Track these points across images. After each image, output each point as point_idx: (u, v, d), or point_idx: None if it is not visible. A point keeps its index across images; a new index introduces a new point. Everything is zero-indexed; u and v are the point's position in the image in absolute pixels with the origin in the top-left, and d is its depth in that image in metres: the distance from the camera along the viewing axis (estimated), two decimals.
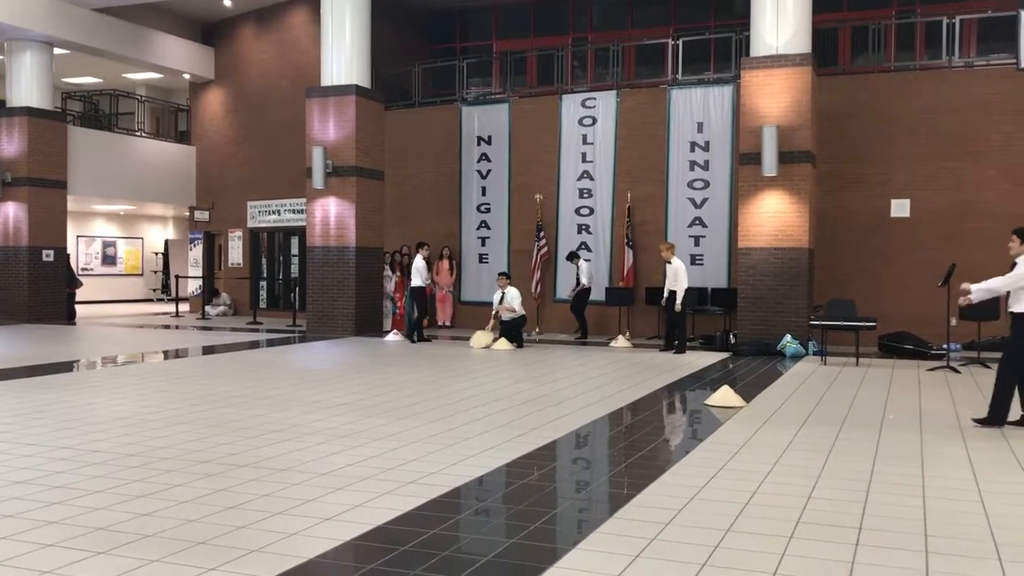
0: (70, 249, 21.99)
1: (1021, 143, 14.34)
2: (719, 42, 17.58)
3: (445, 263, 18.13)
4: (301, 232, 19.79)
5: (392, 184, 18.20)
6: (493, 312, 14.94)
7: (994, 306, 10.90)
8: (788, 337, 13.59)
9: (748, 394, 9.39)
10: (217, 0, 20.82)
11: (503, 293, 14.86)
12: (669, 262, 13.94)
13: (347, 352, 13.95)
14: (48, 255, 19.62)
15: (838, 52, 16.94)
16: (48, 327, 18.19)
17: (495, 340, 14.52)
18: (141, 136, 23.17)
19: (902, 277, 14.77)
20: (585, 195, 17.33)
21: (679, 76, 17.04)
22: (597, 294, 16.74)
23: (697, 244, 16.27)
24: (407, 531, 4.54)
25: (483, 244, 18.31)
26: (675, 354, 13.57)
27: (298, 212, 20.38)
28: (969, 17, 15.98)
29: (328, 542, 4.34)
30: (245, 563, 4.02)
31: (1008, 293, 7.62)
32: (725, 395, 8.82)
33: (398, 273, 17.90)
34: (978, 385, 10.23)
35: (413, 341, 15.38)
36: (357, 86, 16.63)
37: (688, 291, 13.84)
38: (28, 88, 19.23)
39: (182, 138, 23.85)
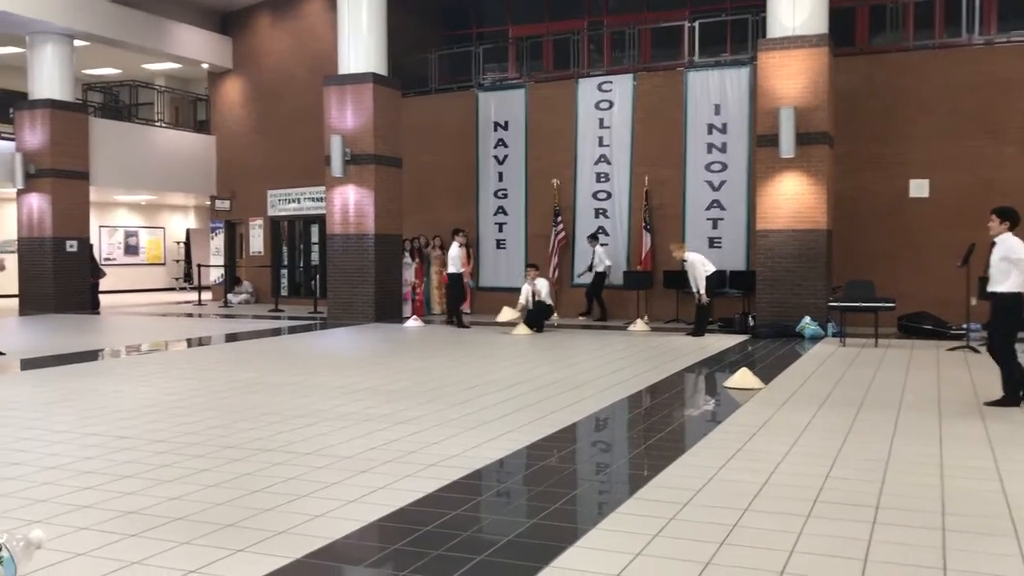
0: (93, 239, 22.20)
1: None
2: (735, 24, 17.48)
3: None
4: (321, 220, 19.90)
5: (409, 171, 18.26)
6: (520, 305, 14.87)
7: None
8: (807, 319, 13.59)
9: (767, 376, 9.42)
10: None
11: (533, 285, 14.87)
12: (684, 260, 13.95)
13: (368, 338, 14.07)
14: (72, 245, 19.83)
15: (855, 32, 16.83)
16: (73, 317, 18.42)
17: (518, 321, 14.56)
18: (161, 126, 23.34)
19: (921, 258, 14.71)
20: (602, 179, 17.33)
21: (696, 58, 16.98)
22: (615, 278, 16.79)
23: (715, 227, 16.26)
24: (429, 512, 4.63)
25: (500, 230, 18.36)
26: (693, 336, 13.62)
27: (318, 200, 20.48)
28: None
29: (352, 524, 4.44)
30: (271, 545, 4.11)
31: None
32: (744, 377, 8.86)
33: (417, 260, 18.00)
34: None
35: (456, 326, 15.52)
36: (374, 74, 16.68)
37: (708, 276, 13.87)
38: (50, 80, 19.39)
39: (201, 128, 24.00)
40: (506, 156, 18.27)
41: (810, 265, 13.94)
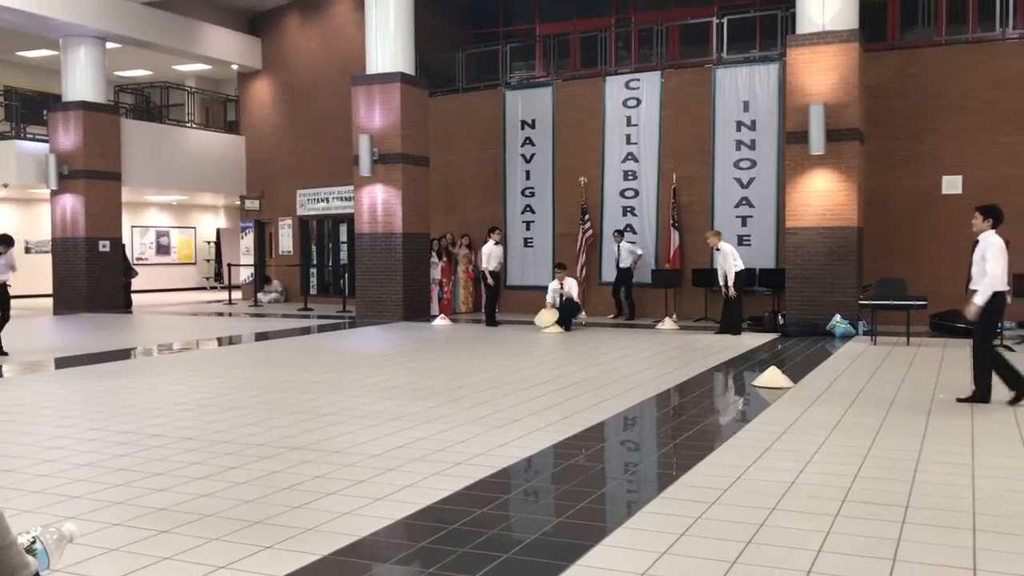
0: (125, 239, 22.48)
1: None
2: (764, 20, 17.35)
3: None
4: (349, 219, 20.01)
5: (437, 170, 18.32)
6: (548, 304, 14.83)
7: None
8: (837, 317, 13.47)
9: (796, 375, 9.35)
10: None
11: (561, 284, 14.85)
12: (717, 249, 13.86)
13: (396, 337, 14.13)
14: (104, 245, 20.09)
15: (887, 27, 16.64)
16: (106, 316, 18.66)
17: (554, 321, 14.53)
18: (191, 127, 23.57)
19: (954, 255, 14.48)
20: (630, 177, 17.28)
21: (724, 55, 16.88)
22: (643, 276, 16.74)
23: (744, 224, 16.16)
24: (456, 510, 4.64)
25: (528, 228, 18.37)
26: (731, 335, 13.51)
27: (346, 200, 20.59)
28: None
29: (380, 521, 4.46)
30: (300, 542, 4.15)
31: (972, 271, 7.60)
32: (773, 376, 8.80)
33: (444, 259, 18.05)
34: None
35: (492, 324, 15.61)
36: (402, 73, 16.74)
37: (737, 272, 13.78)
38: (83, 82, 19.65)
39: (231, 128, 24.21)
40: (533, 154, 18.27)
41: (840, 263, 13.82)
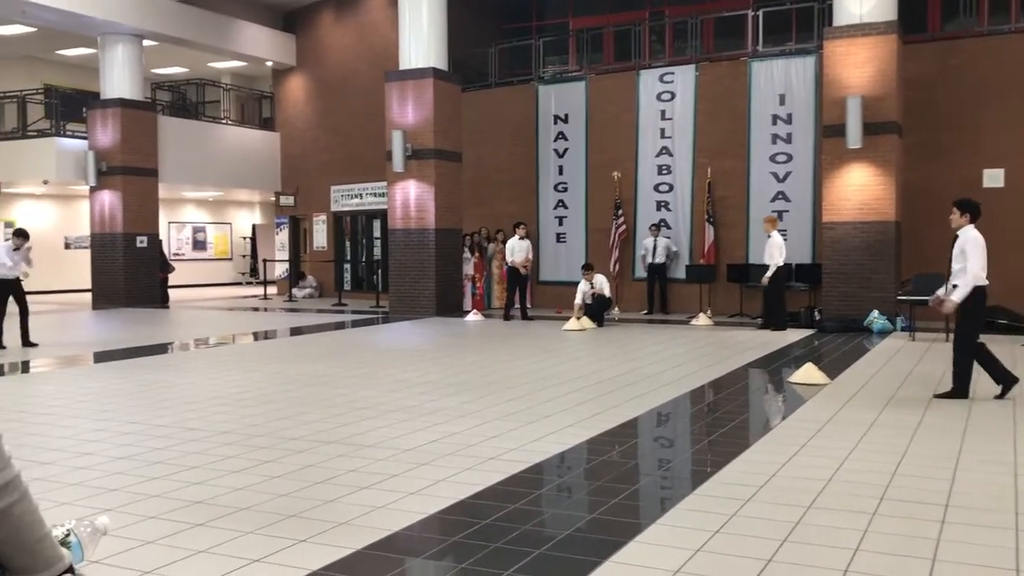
0: (162, 235, 22.74)
1: None
2: (800, 12, 17.14)
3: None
4: (383, 215, 20.08)
5: (469, 165, 18.32)
6: (576, 305, 14.75)
7: None
8: (875, 313, 13.30)
9: (833, 371, 9.24)
10: None
11: (591, 284, 14.77)
12: (769, 235, 13.70)
13: (429, 332, 14.16)
14: (142, 241, 20.33)
15: (926, 18, 16.37)
16: (143, 311, 18.89)
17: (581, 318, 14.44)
18: (227, 124, 23.78)
19: (995, 249, 14.04)
20: (664, 171, 17.17)
21: (760, 48, 16.71)
22: (677, 271, 16.65)
23: (780, 219, 15.96)
24: (489, 505, 4.63)
25: (560, 224, 18.32)
26: (774, 331, 13.37)
27: (379, 195, 20.66)
28: None
29: (413, 515, 4.47)
30: (334, 535, 4.16)
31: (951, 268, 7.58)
32: (809, 372, 8.70)
33: (476, 254, 18.06)
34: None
35: (507, 319, 15.68)
36: (435, 69, 16.76)
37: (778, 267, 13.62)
38: (120, 80, 19.88)
39: (266, 124, 24.39)
40: (566, 149, 18.21)
41: (878, 257, 13.63)
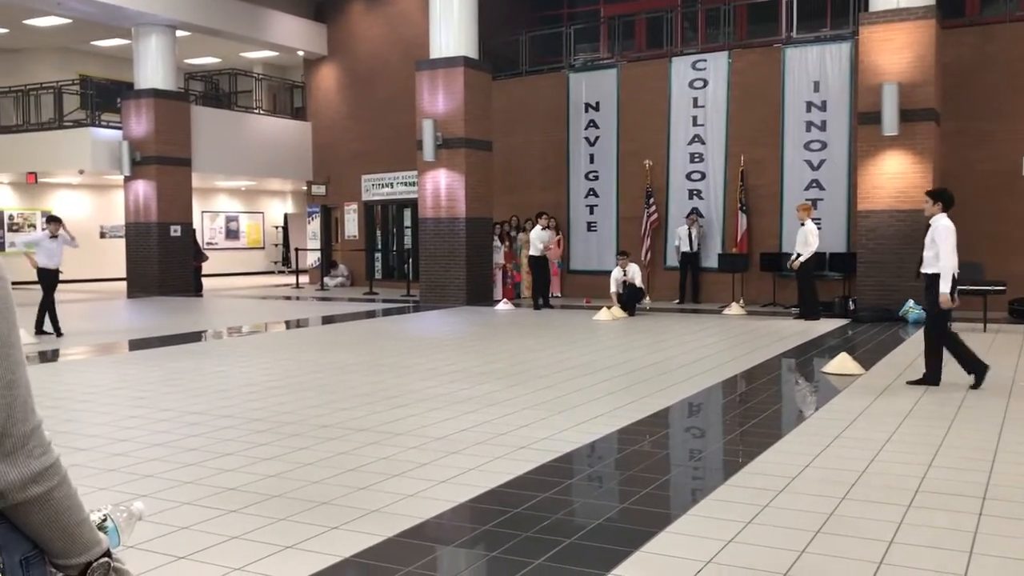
0: (196, 224, 22.94)
1: None
2: None
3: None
4: (413, 204, 20.12)
5: (500, 154, 18.29)
6: (614, 290, 14.71)
7: None
8: (910, 302, 13.12)
9: (867, 361, 9.14)
10: None
11: (624, 271, 14.73)
12: (803, 224, 13.55)
13: (459, 321, 14.19)
14: (176, 230, 20.53)
15: (964, 2, 16.08)
16: (177, 299, 19.09)
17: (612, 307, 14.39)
18: (259, 113, 23.92)
19: None
20: (696, 160, 17.04)
21: (794, 34, 16.51)
22: (710, 260, 16.55)
23: (815, 207, 15.78)
24: (519, 494, 4.64)
25: (591, 212, 18.25)
26: (807, 320, 13.25)
27: (410, 185, 20.70)
28: None
29: (444, 504, 4.48)
30: (365, 523, 4.19)
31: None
32: (843, 362, 8.61)
33: (507, 243, 18.05)
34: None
35: (537, 308, 15.67)
36: (465, 57, 16.74)
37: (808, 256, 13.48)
38: (154, 70, 20.06)
39: (298, 114, 24.51)
40: (597, 137, 18.13)
41: (914, 246, 13.37)
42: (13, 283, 1.42)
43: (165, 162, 20.18)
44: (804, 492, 4.62)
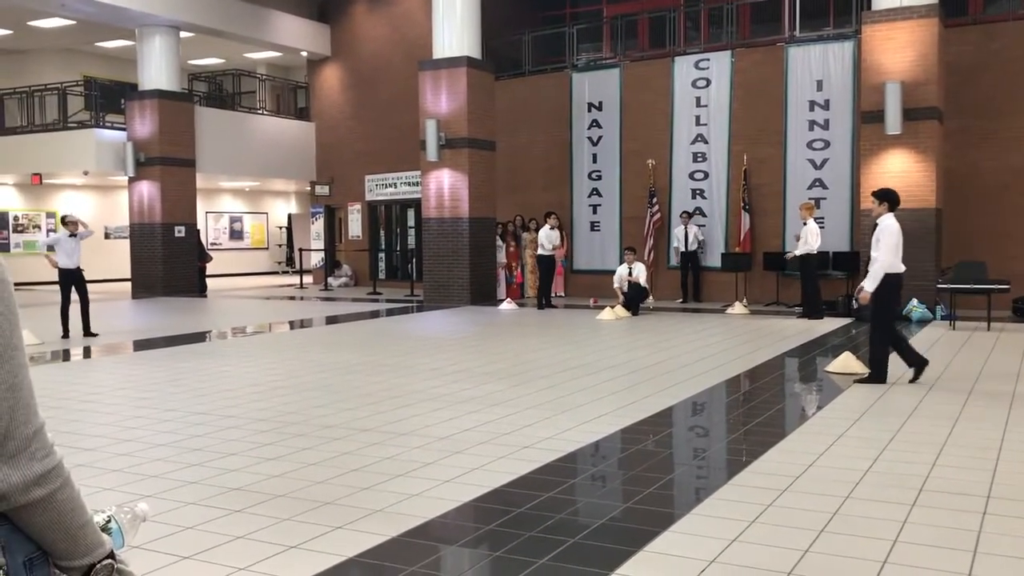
0: (200, 225, 22.98)
1: None
2: None
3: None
4: (417, 204, 20.13)
5: (503, 154, 18.30)
6: (617, 286, 14.75)
7: None
8: (914, 301, 13.11)
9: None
10: None
11: (630, 268, 14.75)
12: (805, 223, 13.54)
13: (463, 320, 14.19)
14: (180, 231, 20.56)
15: (967, 1, 16.05)
16: (181, 300, 19.12)
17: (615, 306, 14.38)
18: (263, 114, 23.95)
19: None
20: (699, 159, 17.04)
21: (796, 33, 16.50)
22: (713, 260, 16.54)
23: (818, 206, 15.74)
24: (523, 494, 4.64)
25: (594, 212, 18.25)
26: (810, 319, 13.25)
27: (414, 185, 20.71)
28: None
29: (447, 503, 4.49)
30: (369, 522, 4.19)
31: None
32: (846, 362, 8.60)
33: (512, 243, 18.05)
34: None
35: (540, 307, 15.70)
36: (468, 57, 16.74)
37: (811, 255, 13.45)
38: (158, 71, 20.09)
39: (301, 115, 24.54)
40: (600, 137, 18.12)
41: (918, 245, 13.40)
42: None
43: (169, 163, 20.21)
44: (808, 491, 4.62)
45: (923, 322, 12.83)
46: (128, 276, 21.07)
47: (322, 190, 23.45)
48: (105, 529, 1.57)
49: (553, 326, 13.12)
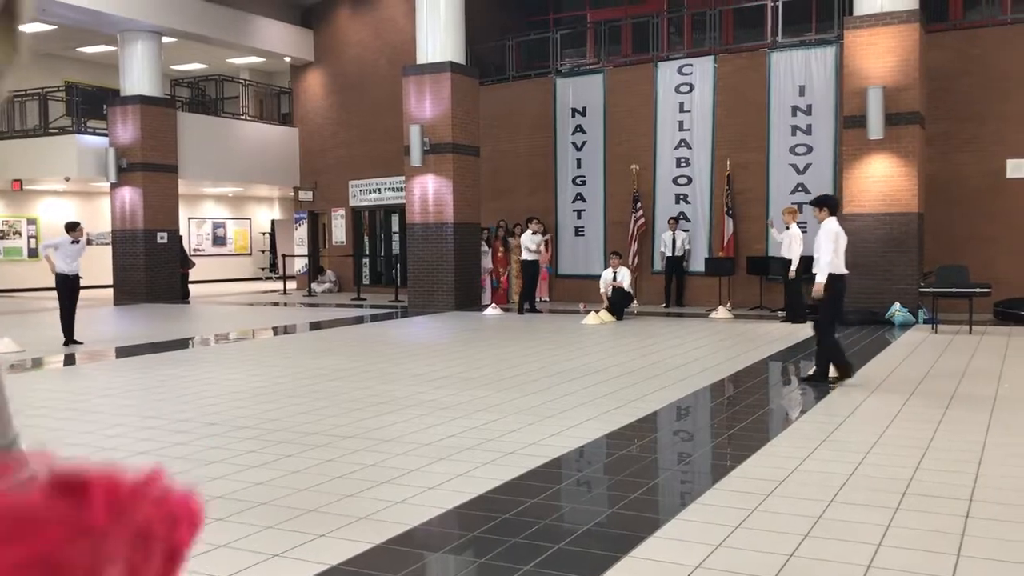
0: (182, 231, 22.86)
1: None
2: (821, 1, 16.98)
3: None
4: (401, 210, 20.09)
5: (487, 159, 18.30)
6: (602, 291, 14.77)
7: None
8: (897, 305, 13.19)
9: (854, 364, 9.14)
10: None
11: (615, 272, 14.76)
12: (787, 227, 13.55)
13: (448, 326, 14.17)
14: (162, 237, 20.44)
15: (948, 6, 16.19)
16: (164, 306, 19.00)
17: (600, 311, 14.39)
18: (246, 119, 23.84)
19: (1019, 241, 14.12)
20: (683, 164, 17.09)
21: (779, 39, 16.58)
22: (697, 264, 16.59)
23: (800, 211, 15.85)
24: (508, 500, 4.62)
25: (579, 217, 18.27)
26: (793, 324, 13.28)
27: (398, 190, 20.67)
28: None
29: (432, 510, 4.47)
30: (353, 530, 4.17)
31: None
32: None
33: (501, 248, 18.04)
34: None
35: (521, 312, 15.67)
36: (452, 63, 16.74)
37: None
38: (140, 77, 19.99)
39: (285, 120, 24.45)
40: (584, 142, 18.15)
41: (900, 249, 13.51)
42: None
43: (151, 169, 20.10)
44: (792, 496, 4.63)
45: (905, 326, 12.90)
46: (110, 283, 20.92)
47: (306, 195, 23.38)
48: None
49: (537, 331, 13.12)
